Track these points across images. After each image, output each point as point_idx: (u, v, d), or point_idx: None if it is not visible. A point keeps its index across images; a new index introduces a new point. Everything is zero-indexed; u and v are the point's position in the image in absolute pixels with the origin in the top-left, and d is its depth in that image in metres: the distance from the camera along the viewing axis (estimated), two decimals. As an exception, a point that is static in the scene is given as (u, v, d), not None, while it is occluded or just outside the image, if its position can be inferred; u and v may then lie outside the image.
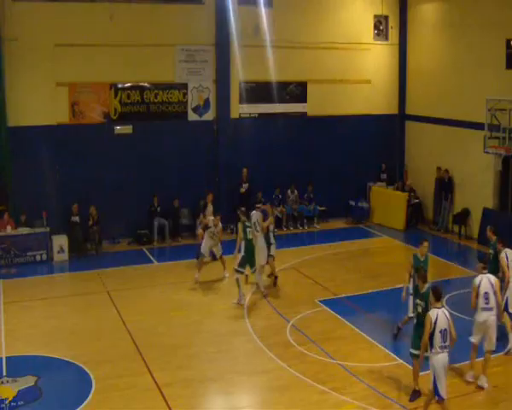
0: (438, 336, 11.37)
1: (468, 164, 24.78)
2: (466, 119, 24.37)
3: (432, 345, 11.46)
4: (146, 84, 23.90)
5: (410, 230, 25.92)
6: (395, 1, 28.18)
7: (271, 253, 19.28)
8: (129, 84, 23.64)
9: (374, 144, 27.68)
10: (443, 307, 11.66)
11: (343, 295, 18.59)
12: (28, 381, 13.46)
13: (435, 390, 11.42)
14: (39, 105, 22.39)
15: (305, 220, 26.04)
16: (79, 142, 22.86)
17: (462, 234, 24.97)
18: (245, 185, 24.60)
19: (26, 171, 22.00)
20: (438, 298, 11.61)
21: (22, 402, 12.69)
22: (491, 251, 16.20)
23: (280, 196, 25.75)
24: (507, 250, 15.44)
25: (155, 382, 13.48)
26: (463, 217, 25.05)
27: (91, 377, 13.69)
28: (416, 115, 28.19)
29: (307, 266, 21.24)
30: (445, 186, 25.77)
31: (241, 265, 17.83)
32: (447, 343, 11.37)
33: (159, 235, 23.86)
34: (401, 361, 14.41)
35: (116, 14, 22.62)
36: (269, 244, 19.21)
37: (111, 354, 14.84)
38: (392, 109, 28.74)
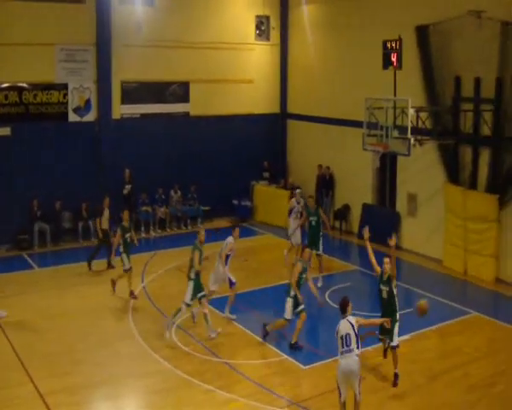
0: (339, 343, 11.51)
1: (348, 161, 25.56)
2: (346, 117, 25.13)
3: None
4: (24, 85, 23.25)
5: (292, 227, 26.46)
6: (276, 1, 28.72)
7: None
8: (6, 85, 22.91)
9: (256, 143, 28.09)
10: (348, 316, 11.62)
11: (227, 294, 18.74)
12: None
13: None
14: None
15: (189, 221, 26.11)
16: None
17: (342, 229, 25.77)
18: (127, 187, 24.38)
19: None
20: (343, 311, 11.67)
21: None
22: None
23: (163, 197, 25.69)
24: None
25: (38, 391, 13.18)
26: (344, 213, 25.89)
27: (-31, 390, 13.21)
28: (297, 114, 28.82)
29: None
30: (326, 183, 26.47)
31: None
32: (350, 347, 11.38)
33: (40, 239, 23.30)
34: (286, 356, 14.77)
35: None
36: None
37: (-11, 366, 14.38)
38: (274, 109, 29.29)
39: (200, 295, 15.86)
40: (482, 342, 16.04)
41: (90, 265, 21.05)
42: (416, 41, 21.76)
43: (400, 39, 19.80)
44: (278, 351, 15.16)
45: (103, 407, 13.22)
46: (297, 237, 21.06)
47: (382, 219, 23.78)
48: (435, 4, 21.27)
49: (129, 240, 18.63)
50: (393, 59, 20.02)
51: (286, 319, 15.34)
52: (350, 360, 11.38)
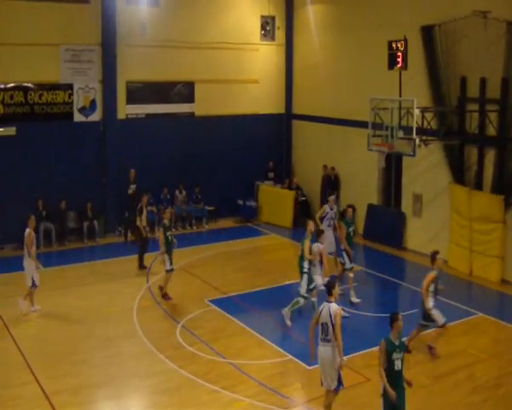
0: (319, 329, 11.65)
1: (353, 162, 25.54)
2: (351, 117, 25.11)
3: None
4: (30, 85, 23.27)
5: (297, 227, 26.40)
6: (282, 1, 28.71)
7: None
8: (11, 85, 22.95)
9: (261, 144, 28.11)
10: (332, 302, 11.63)
11: (232, 294, 18.79)
12: None
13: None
14: None
15: (194, 221, 26.12)
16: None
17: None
18: (132, 186, 24.35)
19: None
20: (329, 292, 11.72)
21: None
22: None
23: (168, 197, 25.71)
24: None
25: (43, 391, 13.19)
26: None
27: (-26, 389, 13.25)
28: (302, 115, 28.81)
29: (196, 267, 21.36)
30: (331, 184, 26.42)
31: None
32: (328, 337, 11.52)
33: (45, 239, 23.32)
34: (290, 357, 14.74)
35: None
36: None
37: (-5, 364, 14.42)
38: (280, 109, 29.27)
39: (311, 286, 16.49)
40: (487, 343, 16.01)
41: (141, 264, 21.22)
42: (421, 41, 21.75)
43: (406, 40, 19.75)
44: (283, 351, 15.14)
45: (107, 406, 13.22)
46: (332, 245, 19.90)
47: (388, 219, 23.77)
48: (441, 4, 21.25)
49: (170, 239, 18.56)
50: (399, 59, 19.98)
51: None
52: (325, 349, 11.56)
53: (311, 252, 16.58)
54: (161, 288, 18.53)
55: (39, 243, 22.98)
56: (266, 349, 15.28)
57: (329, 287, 11.79)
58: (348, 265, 18.26)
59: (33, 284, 17.38)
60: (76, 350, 15.20)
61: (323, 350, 11.62)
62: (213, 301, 18.17)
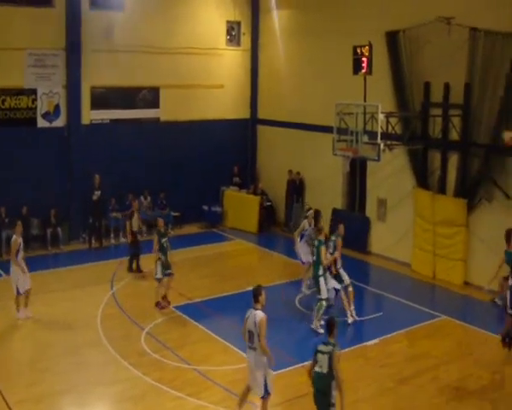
0: (247, 336, 11.65)
1: (318, 166, 25.63)
2: (316, 122, 25.21)
3: None
4: (-7, 90, 23.02)
5: (262, 232, 26.56)
6: (247, 7, 28.74)
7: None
8: (-27, 90, 22.68)
9: (226, 149, 28.07)
10: (258, 310, 11.58)
11: (198, 300, 18.74)
12: None
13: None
14: None
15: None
16: None
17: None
18: (97, 193, 24.04)
19: None
20: (255, 299, 11.65)
21: None
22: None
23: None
24: None
25: (5, 401, 12.97)
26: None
27: None
28: (267, 120, 28.85)
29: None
30: (296, 188, 26.55)
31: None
32: (253, 345, 11.51)
33: (7, 246, 22.94)
34: (255, 363, 14.74)
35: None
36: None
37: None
38: (245, 114, 29.30)
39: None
40: (451, 345, 16.13)
41: (131, 267, 21.37)
42: (386, 47, 21.93)
43: (370, 45, 19.92)
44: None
45: (71, 415, 13.10)
46: (308, 255, 19.32)
47: (352, 223, 23.86)
48: (405, 10, 21.44)
49: (165, 245, 18.43)
50: (363, 64, 20.13)
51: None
52: (251, 356, 11.60)
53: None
54: (164, 297, 18.34)
55: (2, 251, 22.77)
56: (231, 355, 15.23)
57: (256, 294, 11.69)
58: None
59: (18, 292, 17.18)
60: (40, 358, 15.04)
61: (249, 357, 11.68)
62: (178, 308, 18.10)
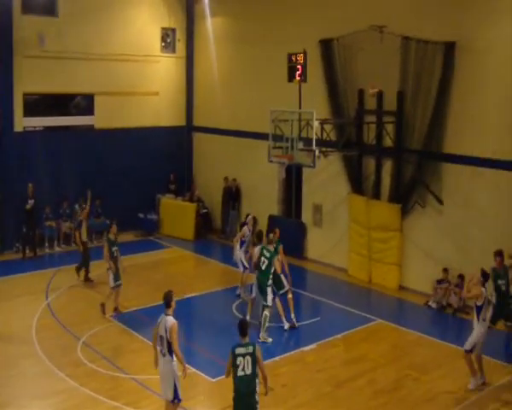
0: (158, 341, 11.66)
1: (254, 173, 25.72)
2: (251, 129, 25.32)
3: None
4: None
5: (199, 240, 26.50)
6: (182, 14, 28.66)
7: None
8: None
9: (162, 156, 27.93)
10: (169, 316, 11.60)
11: (134, 309, 18.57)
12: None
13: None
14: None
15: (94, 235, 25.56)
16: None
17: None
18: (30, 202, 23.45)
19: None
20: (167, 305, 11.67)
21: None
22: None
23: (68, 211, 25.15)
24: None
25: None
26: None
27: None
28: (203, 127, 28.83)
29: (97, 282, 20.96)
30: (232, 195, 26.60)
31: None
32: (163, 350, 11.52)
33: None
34: (194, 370, 14.56)
35: None
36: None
37: None
38: (180, 121, 29.21)
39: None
40: (386, 348, 16.40)
41: (78, 273, 21.18)
42: (320, 54, 22.19)
43: (305, 53, 20.04)
44: (187, 365, 15.02)
45: (6, 428, 12.82)
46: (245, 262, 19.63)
47: (288, 230, 24.01)
48: (339, 19, 21.74)
49: (115, 254, 18.09)
50: (298, 72, 20.27)
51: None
52: (161, 361, 11.63)
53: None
54: (103, 305, 18.07)
55: None
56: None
57: (167, 300, 11.71)
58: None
59: None
60: (-28, 372, 14.68)
61: (160, 362, 11.69)
62: (115, 317, 17.91)
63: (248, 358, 10.52)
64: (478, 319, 13.89)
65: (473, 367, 14.01)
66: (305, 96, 20.25)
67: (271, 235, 17.54)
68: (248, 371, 10.51)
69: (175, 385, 11.54)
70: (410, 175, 20.24)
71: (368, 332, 17.36)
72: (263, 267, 16.77)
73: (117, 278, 18.07)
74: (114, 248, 18.22)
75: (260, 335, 16.40)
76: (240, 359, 10.52)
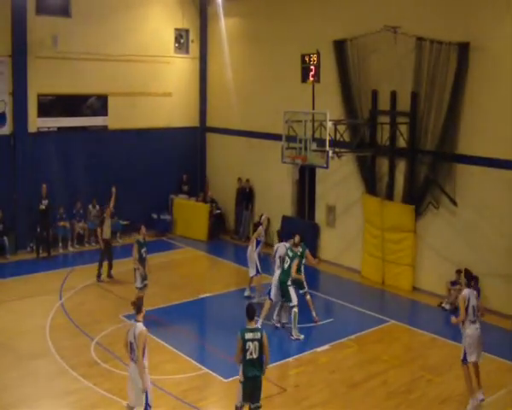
0: (127, 347, 11.64)
1: (267, 174, 25.73)
2: (265, 130, 25.35)
3: None
4: None
5: (212, 240, 26.51)
6: (196, 15, 28.72)
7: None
8: None
9: (175, 157, 28.00)
10: (139, 322, 11.56)
11: (148, 309, 18.42)
12: None
13: None
14: None
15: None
16: None
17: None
18: (44, 202, 23.58)
19: None
20: (137, 311, 11.71)
21: None
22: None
23: (81, 212, 25.25)
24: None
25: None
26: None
27: None
28: (216, 127, 28.86)
29: (110, 282, 21.13)
30: (245, 196, 26.60)
31: None
32: (133, 357, 11.44)
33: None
34: (206, 370, 14.68)
35: None
36: None
37: None
38: (194, 122, 29.24)
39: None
40: (400, 349, 16.35)
41: (99, 276, 21.33)
42: (333, 55, 22.16)
43: (318, 53, 20.02)
44: (199, 365, 15.07)
45: (19, 427, 12.86)
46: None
47: (301, 230, 23.97)
48: (353, 19, 21.73)
49: (144, 255, 18.05)
50: (312, 72, 20.25)
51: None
52: (132, 368, 11.54)
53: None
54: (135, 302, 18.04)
55: None
56: (182, 364, 15.17)
57: (138, 306, 11.80)
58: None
59: None
60: (-14, 371, 14.74)
61: (130, 369, 11.64)
62: (128, 317, 17.88)
63: (256, 343, 11.07)
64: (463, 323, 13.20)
65: (470, 384, 13.22)
66: (318, 96, 20.24)
67: (297, 238, 17.62)
68: (255, 356, 11.08)
69: (146, 392, 11.44)
70: (423, 176, 20.17)
71: (381, 333, 17.31)
72: (285, 267, 17.11)
73: (144, 278, 18.06)
74: (143, 250, 18.13)
75: (293, 332, 16.68)
76: (249, 343, 11.06)
